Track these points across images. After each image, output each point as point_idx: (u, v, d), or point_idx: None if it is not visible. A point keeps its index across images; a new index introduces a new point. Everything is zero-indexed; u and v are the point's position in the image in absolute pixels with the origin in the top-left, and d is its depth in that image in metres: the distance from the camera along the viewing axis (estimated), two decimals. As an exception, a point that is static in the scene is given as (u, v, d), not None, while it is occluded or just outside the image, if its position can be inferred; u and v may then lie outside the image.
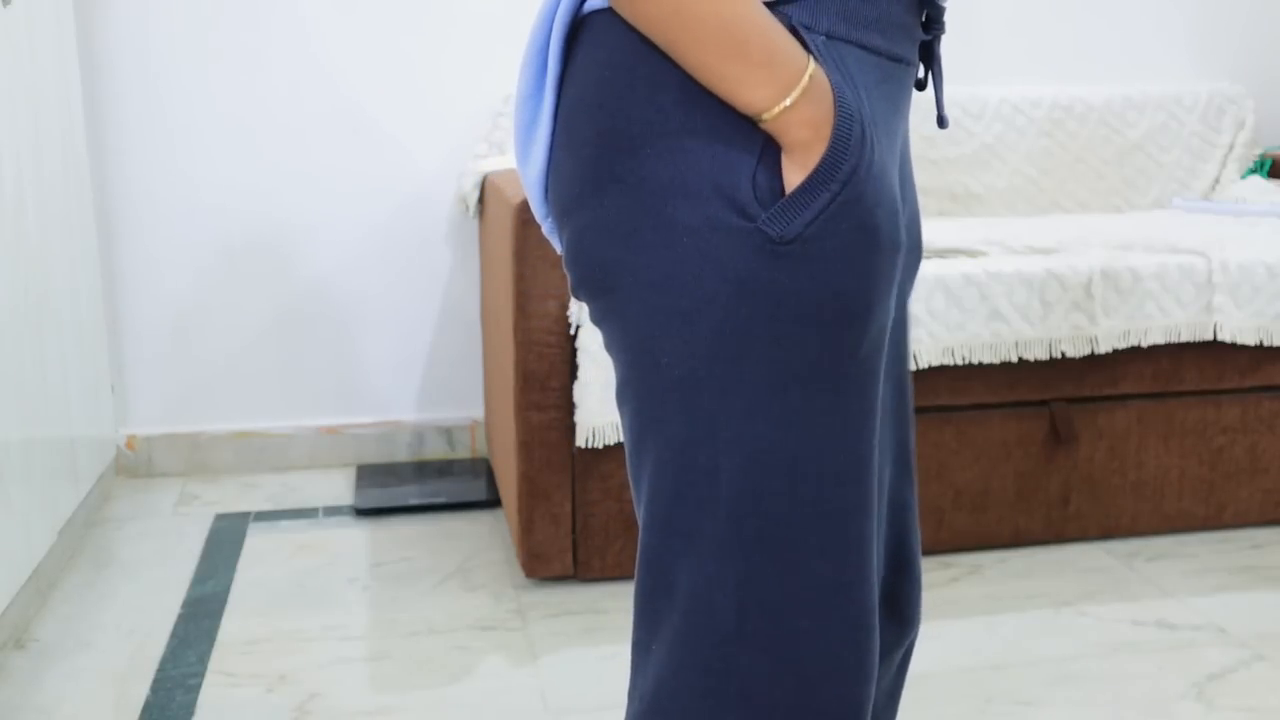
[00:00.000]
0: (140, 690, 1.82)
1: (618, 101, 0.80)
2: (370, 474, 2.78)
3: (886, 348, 0.88)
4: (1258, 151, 3.17)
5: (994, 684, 1.85)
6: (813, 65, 0.76)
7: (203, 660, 1.92)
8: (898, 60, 0.83)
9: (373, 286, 2.83)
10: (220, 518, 2.54)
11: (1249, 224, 2.70)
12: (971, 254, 2.32)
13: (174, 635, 2.00)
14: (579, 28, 0.83)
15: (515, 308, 2.03)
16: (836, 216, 0.77)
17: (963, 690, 1.83)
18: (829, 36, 0.78)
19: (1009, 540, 2.34)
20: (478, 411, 2.93)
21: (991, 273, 2.21)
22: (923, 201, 2.91)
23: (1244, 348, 2.35)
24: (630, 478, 0.88)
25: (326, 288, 2.82)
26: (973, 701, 1.80)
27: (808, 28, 0.78)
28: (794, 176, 0.77)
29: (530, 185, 0.89)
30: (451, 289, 2.87)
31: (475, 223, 2.83)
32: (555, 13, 0.84)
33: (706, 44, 0.75)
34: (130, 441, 2.79)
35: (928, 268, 2.19)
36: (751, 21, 0.75)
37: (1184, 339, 2.30)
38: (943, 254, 2.31)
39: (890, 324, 0.87)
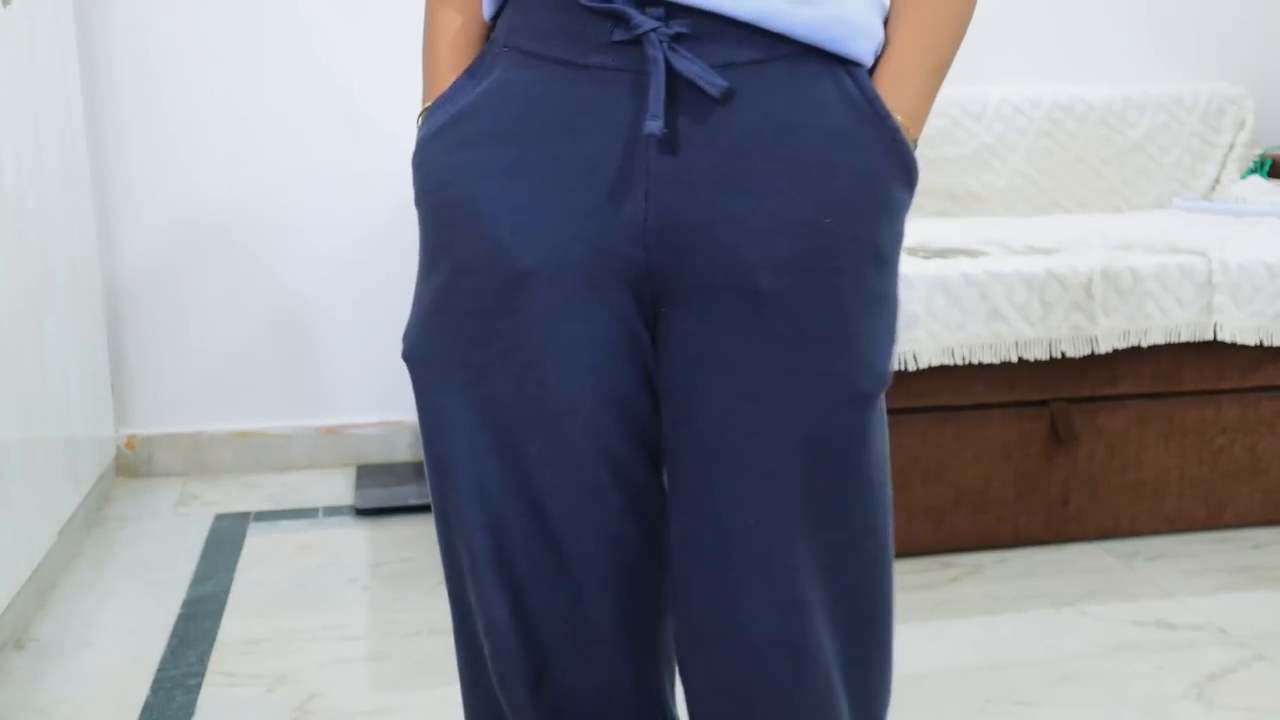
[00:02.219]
0: (140, 690, 1.82)
1: None
2: (370, 474, 2.78)
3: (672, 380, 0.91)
4: (1258, 151, 3.17)
5: (994, 684, 1.85)
6: (428, 104, 0.97)
7: (203, 660, 1.92)
8: (565, 63, 0.89)
9: (373, 286, 2.83)
10: (220, 518, 2.54)
11: (1249, 224, 2.70)
12: (971, 254, 2.32)
13: (174, 635, 2.00)
14: None
15: (515, 308, 2.03)
16: (415, 171, 0.96)
17: (963, 690, 1.83)
18: (504, 45, 0.93)
19: (1009, 540, 2.34)
20: (478, 411, 2.93)
21: (991, 273, 2.20)
22: (922, 202, 2.91)
23: (1244, 348, 2.35)
24: None
25: (327, 287, 2.82)
26: (973, 701, 1.80)
27: (496, 39, 0.94)
28: None
29: None
30: (451, 289, 2.86)
31: (475, 223, 2.84)
32: None
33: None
34: (130, 441, 2.79)
35: (928, 268, 2.18)
36: (428, 48, 0.99)
37: (1184, 339, 2.30)
38: (943, 254, 2.31)
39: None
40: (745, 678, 0.91)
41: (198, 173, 2.72)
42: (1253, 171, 3.14)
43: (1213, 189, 3.11)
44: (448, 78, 0.96)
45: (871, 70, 0.92)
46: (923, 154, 2.92)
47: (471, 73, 0.95)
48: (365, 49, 2.74)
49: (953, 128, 2.94)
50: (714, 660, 0.91)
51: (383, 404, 2.89)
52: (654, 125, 0.84)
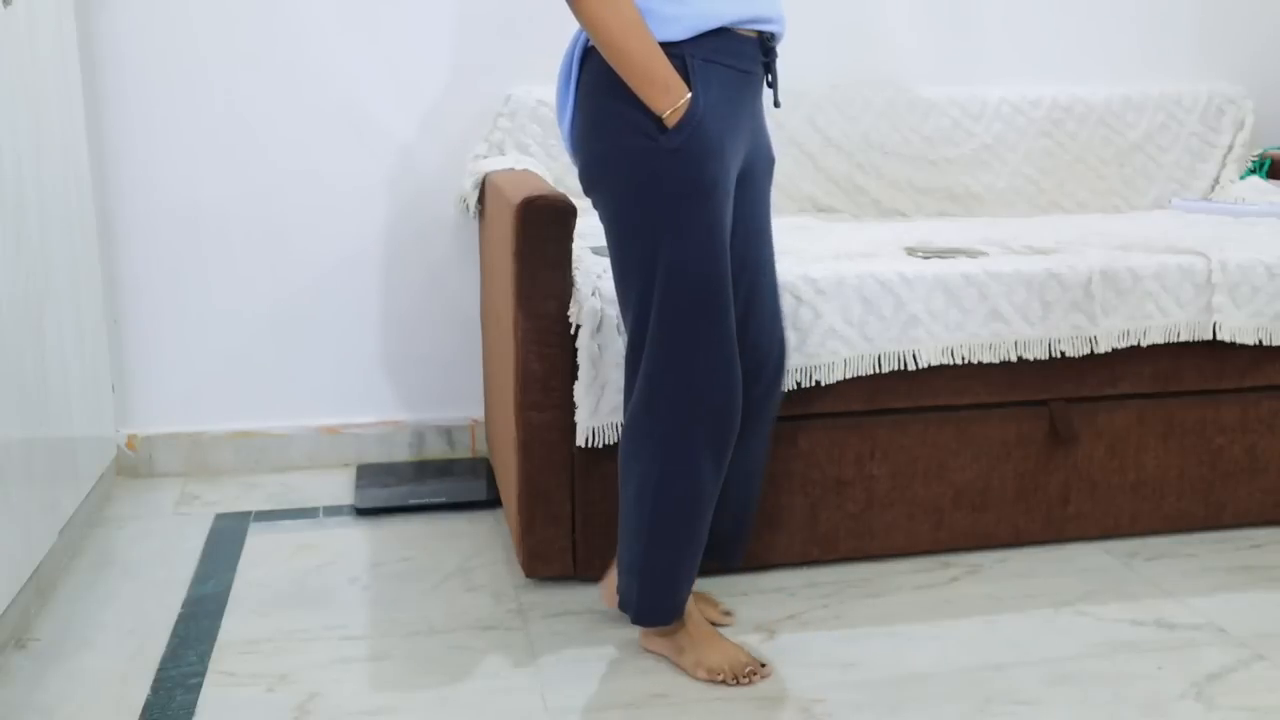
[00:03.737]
0: (141, 690, 1.82)
1: (601, 93, 1.73)
2: (370, 474, 2.78)
3: (744, 205, 1.83)
4: (1257, 151, 3.17)
5: (994, 684, 1.85)
6: (688, 93, 1.67)
7: (203, 660, 1.92)
8: (746, 72, 1.75)
9: (373, 286, 2.83)
10: (220, 518, 2.54)
11: (1248, 224, 2.70)
12: (971, 254, 2.32)
13: (174, 635, 2.01)
14: (586, 53, 1.75)
15: (515, 308, 2.03)
16: (688, 144, 1.68)
17: (963, 690, 1.83)
18: (704, 60, 1.69)
19: (1009, 540, 2.35)
20: (478, 411, 2.93)
21: (991, 273, 2.21)
22: (922, 201, 2.91)
23: (1243, 348, 2.36)
24: (620, 300, 1.82)
25: (326, 288, 2.82)
26: (973, 701, 1.80)
27: (693, 55, 1.68)
28: (671, 127, 1.69)
29: (564, 135, 1.83)
30: (451, 289, 2.87)
31: (475, 223, 2.84)
32: (576, 43, 1.77)
33: (634, 75, 1.65)
34: (130, 441, 2.79)
35: (927, 268, 2.19)
36: (658, 63, 1.65)
37: (1183, 339, 2.30)
38: (943, 254, 2.32)
39: (737, 193, 1.81)
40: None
41: (198, 172, 2.72)
42: (1252, 172, 3.14)
43: (1212, 189, 3.11)
44: (671, 69, 1.65)
45: None
46: (922, 154, 2.92)
47: (702, 76, 1.68)
48: (365, 49, 2.74)
49: (953, 128, 2.94)
50: (773, 327, 1.93)
51: (383, 404, 2.90)
52: (779, 102, 1.85)
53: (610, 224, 1.77)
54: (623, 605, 1.89)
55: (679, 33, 1.65)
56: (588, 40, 1.73)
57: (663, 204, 1.69)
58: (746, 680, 1.84)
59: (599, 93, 1.72)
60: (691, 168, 1.67)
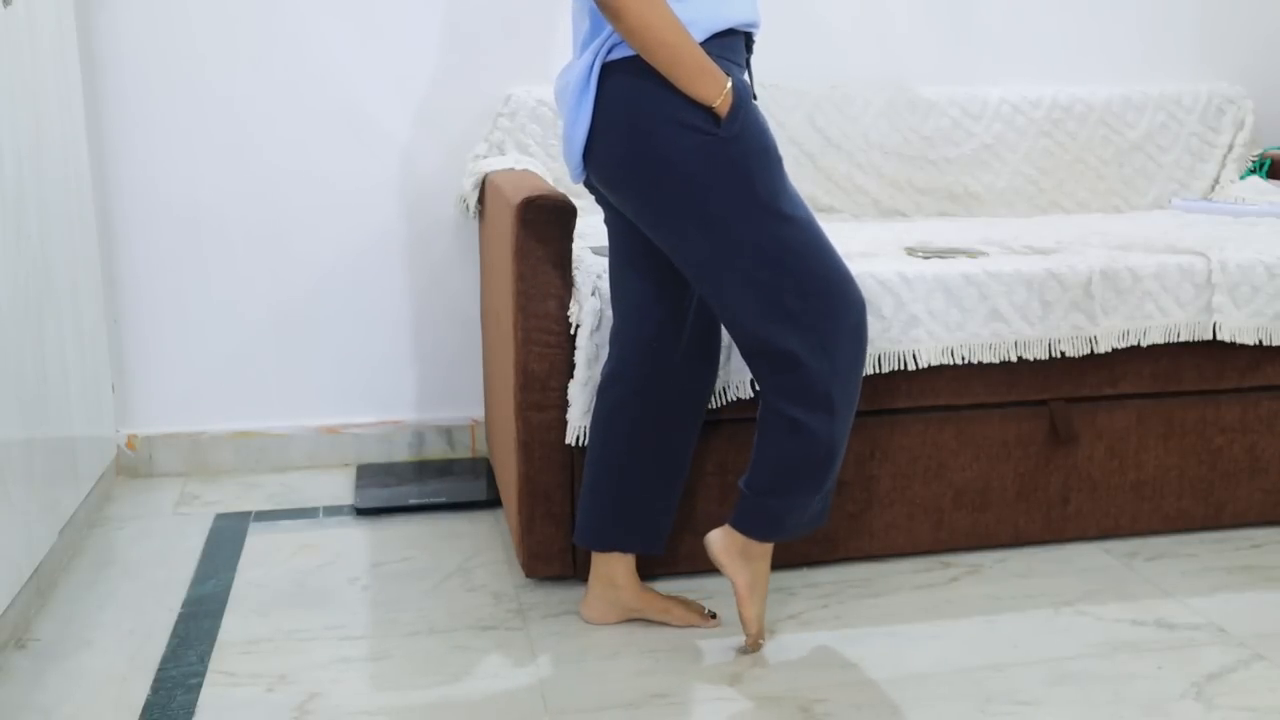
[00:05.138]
0: (140, 690, 1.82)
1: (640, 105, 1.74)
2: (370, 474, 2.78)
3: None
4: (1257, 151, 3.17)
5: (994, 684, 1.85)
6: (731, 78, 1.72)
7: (203, 660, 1.92)
8: (741, 66, 1.82)
9: (373, 286, 2.83)
10: (220, 518, 2.54)
11: (1248, 224, 2.70)
12: (971, 254, 2.32)
13: (174, 635, 2.01)
14: (606, 68, 1.76)
15: (516, 307, 2.03)
16: (745, 123, 1.74)
17: (963, 690, 1.83)
18: (718, 57, 1.74)
19: (1009, 540, 2.35)
20: (478, 411, 2.93)
21: (991, 273, 2.21)
22: (922, 201, 2.91)
23: (1243, 347, 2.36)
24: (710, 280, 1.80)
25: (327, 288, 2.82)
26: (973, 701, 1.80)
27: (709, 53, 1.72)
28: (725, 115, 1.73)
29: (573, 157, 1.81)
30: (451, 289, 2.87)
31: (475, 223, 2.84)
32: (594, 59, 1.76)
33: (685, 69, 1.69)
34: (130, 441, 2.79)
35: (927, 268, 2.19)
36: (704, 55, 1.70)
37: (1183, 339, 2.30)
38: (943, 254, 2.32)
39: None
40: None
41: (198, 172, 2.72)
42: (1252, 172, 3.14)
43: (1212, 189, 3.11)
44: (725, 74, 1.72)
45: None
46: (922, 154, 2.92)
47: (726, 71, 1.73)
48: (365, 48, 2.74)
49: (953, 128, 2.94)
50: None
51: (383, 404, 2.90)
52: (755, 95, 1.84)
53: (696, 225, 1.76)
54: (746, 526, 1.89)
55: (696, 35, 1.72)
56: (608, 55, 1.74)
57: (744, 185, 1.73)
58: (757, 646, 1.96)
59: (637, 104, 1.73)
60: (755, 141, 1.74)
